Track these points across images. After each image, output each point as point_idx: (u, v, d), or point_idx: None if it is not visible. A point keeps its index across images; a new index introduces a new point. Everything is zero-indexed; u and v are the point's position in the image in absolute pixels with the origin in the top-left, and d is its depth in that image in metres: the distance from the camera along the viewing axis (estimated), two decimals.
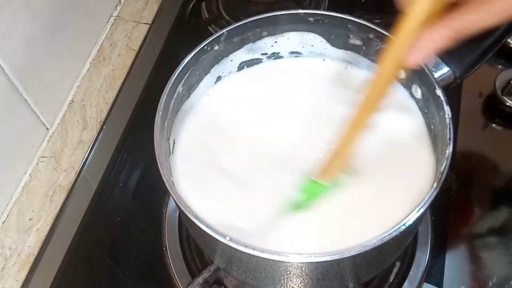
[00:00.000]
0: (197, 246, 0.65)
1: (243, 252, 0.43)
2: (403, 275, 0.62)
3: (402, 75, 0.45)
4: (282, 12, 0.59)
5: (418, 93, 0.56)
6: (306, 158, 0.55)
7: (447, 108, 0.49)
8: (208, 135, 0.58)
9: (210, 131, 0.58)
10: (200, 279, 0.59)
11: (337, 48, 0.62)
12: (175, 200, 0.47)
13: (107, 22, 0.79)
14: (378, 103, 0.45)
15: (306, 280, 0.49)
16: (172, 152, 0.56)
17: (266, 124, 0.58)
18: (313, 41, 0.62)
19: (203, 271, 0.60)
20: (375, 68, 0.43)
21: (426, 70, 0.52)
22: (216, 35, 0.58)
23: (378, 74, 0.44)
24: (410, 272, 0.62)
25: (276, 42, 0.62)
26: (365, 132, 0.47)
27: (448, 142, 0.48)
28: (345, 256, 0.42)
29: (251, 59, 0.63)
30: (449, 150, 0.47)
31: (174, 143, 0.56)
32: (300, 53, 0.63)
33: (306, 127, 0.58)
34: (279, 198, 0.52)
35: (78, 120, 0.71)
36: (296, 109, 0.59)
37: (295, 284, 0.50)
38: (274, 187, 0.53)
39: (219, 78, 0.62)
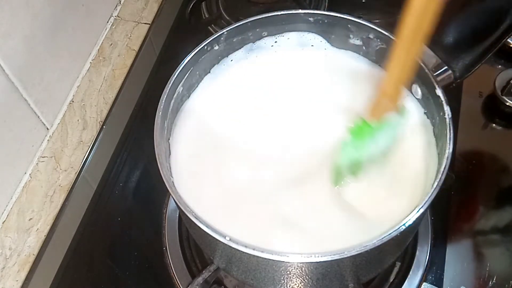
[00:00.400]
0: (197, 246, 0.65)
1: (243, 252, 0.43)
2: (403, 275, 0.62)
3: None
4: (282, 12, 0.59)
5: (418, 93, 0.56)
6: (305, 159, 0.55)
7: (447, 108, 0.49)
8: (207, 135, 0.58)
9: (210, 131, 0.58)
10: (200, 279, 0.59)
11: (337, 48, 0.62)
12: (175, 200, 0.47)
13: (107, 22, 0.79)
14: (417, 41, 0.44)
15: (306, 280, 0.49)
16: (172, 152, 0.56)
17: (266, 124, 0.58)
18: (313, 41, 0.62)
19: (203, 271, 0.60)
20: (408, 6, 0.43)
21: (426, 70, 0.52)
22: (216, 35, 0.58)
23: (412, 7, 0.43)
24: (410, 272, 0.62)
25: (276, 42, 0.62)
26: (409, 69, 0.46)
27: (448, 142, 0.48)
28: (345, 256, 0.42)
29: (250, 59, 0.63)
30: (449, 150, 0.47)
31: (174, 143, 0.56)
32: None
33: (305, 128, 0.57)
34: (280, 199, 0.52)
35: (78, 120, 0.71)
36: (296, 109, 0.59)
37: (295, 284, 0.50)
38: (274, 189, 0.53)
39: (218, 78, 0.62)
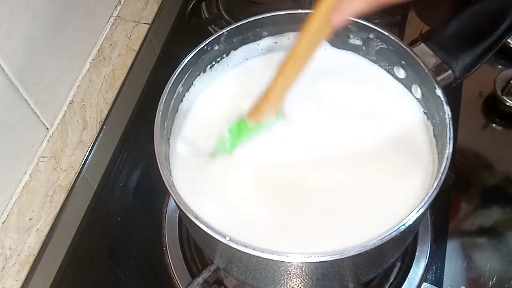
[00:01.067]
0: (197, 246, 0.65)
1: (243, 252, 0.43)
2: (403, 275, 0.62)
3: (329, 36, 0.49)
4: (282, 12, 0.59)
5: (418, 93, 0.56)
6: (305, 159, 0.55)
7: (447, 108, 0.49)
8: (207, 135, 0.58)
9: (210, 131, 0.58)
10: (200, 279, 0.59)
11: (337, 48, 0.62)
12: (175, 200, 0.47)
13: (107, 22, 0.79)
14: (306, 58, 0.49)
15: (306, 280, 0.49)
16: (172, 152, 0.56)
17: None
18: None
19: (203, 271, 0.60)
20: (304, 25, 0.47)
21: (426, 70, 0.52)
22: (216, 35, 0.58)
23: (307, 29, 0.47)
24: (410, 272, 0.62)
25: (276, 42, 0.62)
26: (293, 81, 0.50)
27: (448, 142, 0.48)
28: (345, 256, 0.42)
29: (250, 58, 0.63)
30: (449, 150, 0.47)
31: (174, 143, 0.56)
32: None
33: (305, 128, 0.57)
34: (280, 199, 0.52)
35: (78, 120, 0.71)
36: (296, 109, 0.59)
37: (295, 284, 0.50)
38: (275, 189, 0.53)
39: (218, 78, 0.62)
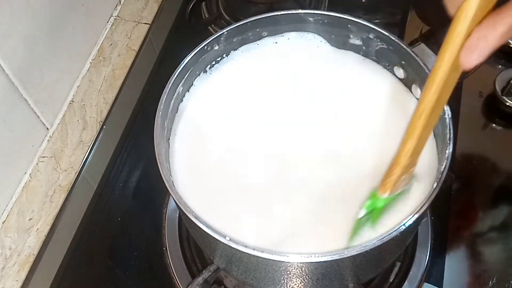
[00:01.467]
0: (197, 246, 0.65)
1: (243, 252, 0.43)
2: (403, 275, 0.62)
3: (459, 81, 0.42)
4: (282, 12, 0.59)
5: (418, 93, 0.56)
6: (304, 158, 0.55)
7: (447, 108, 0.49)
8: (207, 135, 0.58)
9: (210, 131, 0.58)
10: (200, 279, 0.59)
11: (337, 48, 0.62)
12: (175, 200, 0.47)
13: (107, 22, 0.79)
14: (435, 111, 0.43)
15: (306, 280, 0.49)
16: (172, 152, 0.56)
17: (266, 125, 0.58)
18: (313, 41, 0.62)
19: (203, 271, 0.60)
20: (428, 77, 0.41)
21: (426, 70, 0.52)
22: (216, 35, 0.58)
23: (431, 81, 0.40)
24: (410, 272, 0.62)
25: (276, 42, 0.62)
26: (426, 141, 0.45)
27: (448, 142, 0.48)
28: (345, 256, 0.42)
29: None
30: (449, 150, 0.47)
31: (174, 143, 0.56)
32: None
33: (305, 128, 0.57)
34: (281, 200, 0.52)
35: (78, 120, 0.71)
36: (296, 109, 0.59)
37: (295, 284, 0.50)
38: (276, 189, 0.53)
39: (218, 78, 0.62)
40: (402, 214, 0.45)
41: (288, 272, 0.47)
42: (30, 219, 0.63)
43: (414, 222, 0.44)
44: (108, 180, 0.73)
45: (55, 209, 0.65)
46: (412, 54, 0.53)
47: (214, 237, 0.44)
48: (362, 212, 0.48)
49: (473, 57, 0.37)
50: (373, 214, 0.48)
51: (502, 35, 0.36)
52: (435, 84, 0.40)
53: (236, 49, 0.61)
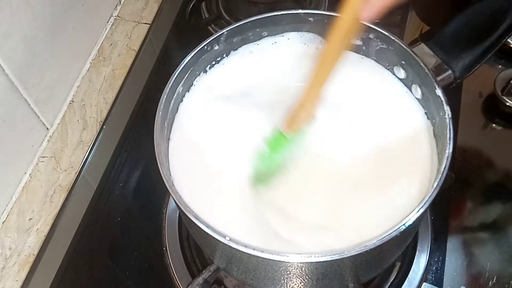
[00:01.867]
0: (197, 246, 0.65)
1: (243, 252, 0.43)
2: (403, 275, 0.62)
3: (360, 30, 0.48)
4: (282, 12, 0.59)
5: (418, 93, 0.56)
6: (305, 158, 0.55)
7: (447, 108, 0.50)
8: (207, 135, 0.58)
9: (209, 131, 0.58)
10: (200, 279, 0.59)
11: None
12: (175, 200, 0.47)
13: (107, 22, 0.79)
14: (336, 57, 0.48)
15: (306, 280, 0.49)
16: (172, 152, 0.56)
17: (266, 124, 0.58)
18: (313, 41, 0.62)
19: (203, 271, 0.60)
20: (333, 22, 0.46)
21: (426, 70, 0.52)
22: (216, 35, 0.58)
23: (337, 28, 0.46)
24: (410, 272, 0.62)
25: (276, 42, 0.62)
26: (326, 84, 0.50)
27: (448, 142, 0.48)
28: (345, 256, 0.42)
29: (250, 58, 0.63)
30: (449, 150, 0.47)
31: (174, 142, 0.56)
32: None
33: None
34: (281, 200, 0.52)
35: (78, 120, 0.71)
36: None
37: (295, 284, 0.50)
38: (276, 190, 0.53)
39: (218, 78, 0.62)
40: (402, 214, 0.44)
41: (288, 272, 0.47)
42: (30, 219, 0.63)
43: (414, 222, 0.44)
44: (108, 180, 0.73)
45: (55, 209, 0.65)
46: (412, 54, 0.53)
47: (214, 237, 0.44)
48: (265, 147, 0.53)
49: (370, 11, 0.43)
50: (274, 150, 0.53)
51: None
52: (338, 32, 0.46)
53: (236, 49, 0.61)
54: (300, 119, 0.52)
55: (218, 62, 0.61)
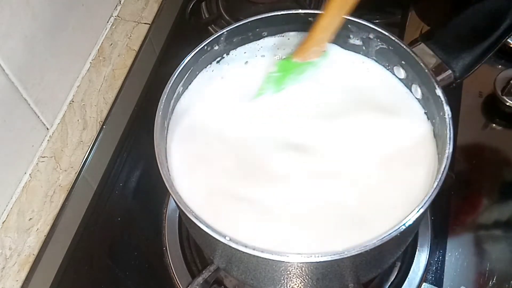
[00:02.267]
0: (197, 246, 0.65)
1: (243, 252, 0.43)
2: (403, 275, 0.62)
3: None
4: (282, 12, 0.59)
5: (418, 93, 0.56)
6: (305, 158, 0.55)
7: (447, 108, 0.49)
8: (207, 135, 0.58)
9: (209, 130, 0.58)
10: (200, 279, 0.59)
11: (337, 48, 0.62)
12: (175, 200, 0.47)
13: (107, 22, 0.79)
14: None
15: (306, 280, 0.49)
16: (172, 152, 0.56)
17: (265, 124, 0.58)
18: None
19: (203, 271, 0.60)
20: None
21: (426, 70, 0.52)
22: (216, 35, 0.58)
23: None
24: (410, 272, 0.62)
25: (276, 42, 0.62)
26: (338, 20, 0.53)
27: (448, 142, 0.48)
28: (345, 256, 0.42)
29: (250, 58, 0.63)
30: (449, 150, 0.47)
31: (174, 142, 0.56)
32: None
33: (305, 127, 0.57)
34: (282, 200, 0.52)
35: (78, 120, 0.71)
36: (295, 108, 0.59)
37: (295, 284, 0.50)
38: (276, 189, 0.53)
39: (218, 78, 0.62)
40: (402, 213, 0.45)
41: (288, 272, 0.47)
42: (30, 219, 0.63)
43: (414, 221, 0.44)
44: (108, 180, 0.73)
45: (55, 209, 0.65)
46: (412, 54, 0.53)
47: (214, 237, 0.44)
48: (274, 68, 0.56)
49: None
50: (282, 75, 0.56)
51: None
52: None
53: (236, 49, 0.61)
54: (310, 51, 0.54)
55: (218, 62, 0.61)
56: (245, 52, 0.62)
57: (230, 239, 0.43)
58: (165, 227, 0.67)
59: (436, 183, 0.45)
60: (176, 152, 0.56)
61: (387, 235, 0.43)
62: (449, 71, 0.52)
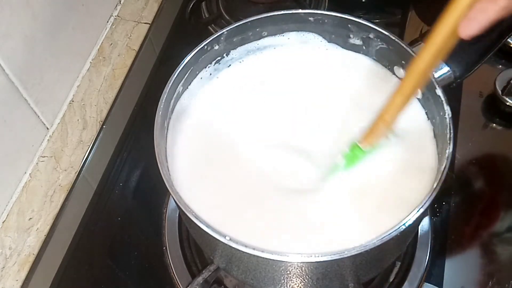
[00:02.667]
0: (197, 246, 0.65)
1: (243, 252, 0.43)
2: (403, 275, 0.62)
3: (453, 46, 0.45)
4: (282, 12, 0.59)
5: (418, 93, 0.56)
6: (305, 157, 0.55)
7: (447, 108, 0.49)
8: (207, 134, 0.58)
9: (209, 130, 0.58)
10: (200, 279, 0.59)
11: (337, 48, 0.62)
12: (175, 200, 0.47)
13: (107, 22, 0.79)
14: (427, 72, 0.46)
15: (306, 280, 0.49)
16: (172, 152, 0.56)
17: (266, 124, 0.58)
18: (313, 41, 0.62)
19: (203, 271, 0.60)
20: (427, 38, 0.44)
21: None
22: (216, 35, 0.58)
23: (430, 44, 0.44)
24: (410, 272, 0.62)
25: (276, 42, 0.62)
26: (412, 100, 0.48)
27: (448, 142, 0.48)
28: (345, 256, 0.42)
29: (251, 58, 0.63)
30: (449, 150, 0.47)
31: (174, 142, 0.56)
32: None
33: (304, 127, 0.57)
34: (282, 199, 0.52)
35: (78, 120, 0.71)
36: (296, 108, 0.59)
37: (295, 284, 0.50)
38: (276, 189, 0.53)
39: (218, 78, 0.62)
40: (402, 213, 0.44)
41: (288, 272, 0.47)
42: (30, 219, 0.63)
43: (414, 221, 0.44)
44: (108, 180, 0.73)
45: (55, 209, 0.65)
46: (412, 54, 0.53)
47: (214, 237, 0.44)
48: (341, 160, 0.52)
49: (472, 27, 0.40)
50: (350, 162, 0.52)
51: (501, 8, 0.39)
52: (433, 46, 0.43)
53: (236, 49, 0.61)
54: (378, 132, 0.50)
55: (218, 62, 0.61)
56: (245, 52, 0.62)
57: (230, 239, 0.43)
58: (165, 227, 0.67)
59: (436, 183, 0.45)
60: (176, 152, 0.56)
61: (387, 235, 0.43)
62: (449, 71, 0.52)
